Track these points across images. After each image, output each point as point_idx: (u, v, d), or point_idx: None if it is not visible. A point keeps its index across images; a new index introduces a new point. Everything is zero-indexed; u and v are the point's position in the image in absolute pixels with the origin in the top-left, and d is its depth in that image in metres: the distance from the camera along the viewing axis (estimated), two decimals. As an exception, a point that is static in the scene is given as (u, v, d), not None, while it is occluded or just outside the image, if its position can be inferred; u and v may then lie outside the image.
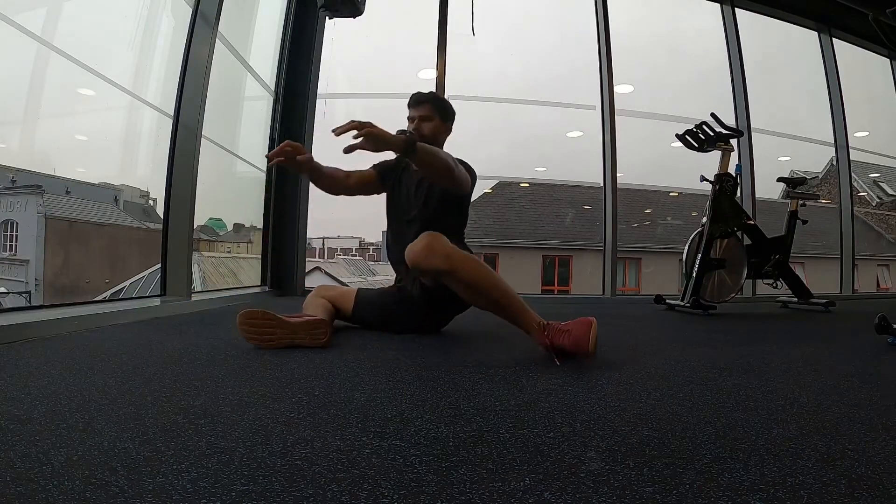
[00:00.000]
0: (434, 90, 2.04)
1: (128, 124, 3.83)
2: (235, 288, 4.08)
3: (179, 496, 0.56)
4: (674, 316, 2.86)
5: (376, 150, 1.42)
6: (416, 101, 1.91)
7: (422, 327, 1.85)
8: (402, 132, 1.51)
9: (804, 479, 0.64)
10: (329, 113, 4.25)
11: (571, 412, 0.92)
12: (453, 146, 2.04)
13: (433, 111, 1.90)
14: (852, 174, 5.12)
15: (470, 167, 1.88)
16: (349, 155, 1.38)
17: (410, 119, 1.91)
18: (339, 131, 1.38)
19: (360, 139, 1.37)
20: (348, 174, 1.89)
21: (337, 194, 1.87)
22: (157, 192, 3.49)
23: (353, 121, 1.38)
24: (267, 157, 1.59)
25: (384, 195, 2.00)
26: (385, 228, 2.01)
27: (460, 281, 1.50)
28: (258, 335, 1.47)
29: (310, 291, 1.92)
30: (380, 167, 1.98)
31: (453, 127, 1.99)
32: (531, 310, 1.46)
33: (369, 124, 1.38)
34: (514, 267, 10.23)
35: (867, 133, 5.63)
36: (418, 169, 1.62)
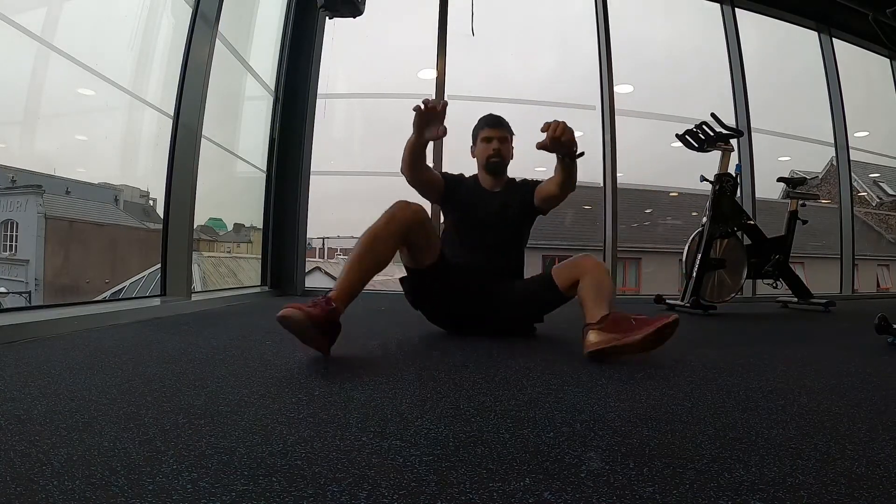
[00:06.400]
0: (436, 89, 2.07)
1: (128, 124, 3.83)
2: (235, 288, 4.08)
3: (179, 496, 0.56)
4: (674, 316, 2.86)
5: (569, 149, 1.54)
6: (497, 122, 1.94)
7: (487, 319, 1.81)
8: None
9: (804, 479, 0.64)
10: (329, 113, 4.25)
11: (571, 412, 0.92)
12: (454, 147, 2.05)
13: (509, 134, 1.96)
14: (852, 174, 5.11)
15: None
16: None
17: (486, 139, 1.91)
18: (546, 127, 1.49)
19: (565, 137, 1.48)
20: (428, 167, 1.84)
21: (409, 173, 1.75)
22: (157, 192, 3.48)
23: (557, 120, 1.49)
24: (425, 102, 1.52)
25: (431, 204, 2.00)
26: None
27: (604, 282, 1.58)
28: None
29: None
30: (448, 179, 1.95)
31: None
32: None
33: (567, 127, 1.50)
34: (514, 267, 10.19)
35: (867, 133, 5.63)
36: (567, 175, 1.68)
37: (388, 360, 1.43)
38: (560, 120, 1.49)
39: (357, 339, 1.72)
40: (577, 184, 1.74)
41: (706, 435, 0.81)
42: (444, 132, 1.53)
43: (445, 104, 1.52)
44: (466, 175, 2.02)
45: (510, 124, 1.98)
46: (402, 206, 1.53)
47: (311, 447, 0.72)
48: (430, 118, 1.53)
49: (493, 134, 1.91)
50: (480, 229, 1.88)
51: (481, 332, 1.82)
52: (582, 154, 1.60)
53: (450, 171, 2.02)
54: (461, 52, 4.31)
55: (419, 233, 1.58)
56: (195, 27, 2.79)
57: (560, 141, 1.50)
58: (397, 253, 1.62)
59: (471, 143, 2.01)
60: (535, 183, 1.91)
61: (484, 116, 1.96)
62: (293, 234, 3.96)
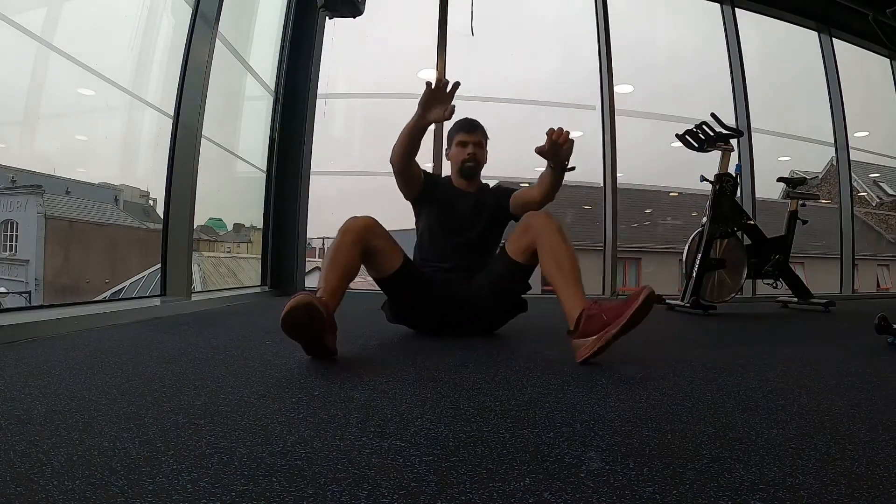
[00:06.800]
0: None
1: (128, 124, 3.83)
2: (235, 288, 4.08)
3: (179, 496, 0.56)
4: (674, 316, 2.86)
5: (564, 159, 1.58)
6: (472, 127, 1.93)
7: (468, 319, 1.80)
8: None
9: (804, 479, 0.64)
10: (329, 113, 4.25)
11: (571, 412, 0.92)
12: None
13: (483, 138, 1.95)
14: (852, 174, 5.12)
15: None
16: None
17: (462, 143, 1.91)
18: (554, 134, 1.51)
19: (566, 146, 1.53)
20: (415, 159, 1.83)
21: (401, 160, 1.73)
22: (157, 192, 3.49)
23: (562, 128, 1.51)
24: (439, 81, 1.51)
25: (405, 200, 1.98)
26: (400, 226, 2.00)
27: (557, 249, 1.54)
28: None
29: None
30: (427, 175, 1.95)
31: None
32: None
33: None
34: (514, 267, 10.20)
35: (867, 133, 5.63)
36: (553, 185, 1.69)
37: (388, 360, 1.43)
38: (564, 129, 1.51)
39: (357, 339, 1.72)
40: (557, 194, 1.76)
41: (706, 435, 0.81)
42: (452, 112, 1.52)
43: (458, 84, 1.50)
44: (441, 176, 2.04)
45: (486, 129, 1.97)
46: (353, 219, 1.57)
47: (311, 447, 0.72)
48: (439, 97, 1.51)
49: (469, 139, 1.91)
50: (453, 229, 1.88)
51: (470, 332, 1.82)
52: (573, 168, 1.62)
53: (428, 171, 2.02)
54: (461, 52, 4.31)
55: (375, 237, 1.59)
56: (195, 27, 2.79)
57: (561, 148, 1.52)
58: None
59: (445, 146, 2.01)
60: (510, 190, 1.93)
61: (460, 120, 1.94)
62: (293, 234, 3.96)
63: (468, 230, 1.88)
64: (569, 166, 1.61)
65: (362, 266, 1.62)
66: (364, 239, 1.56)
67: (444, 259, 1.85)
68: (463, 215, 1.90)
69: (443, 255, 1.87)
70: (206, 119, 2.76)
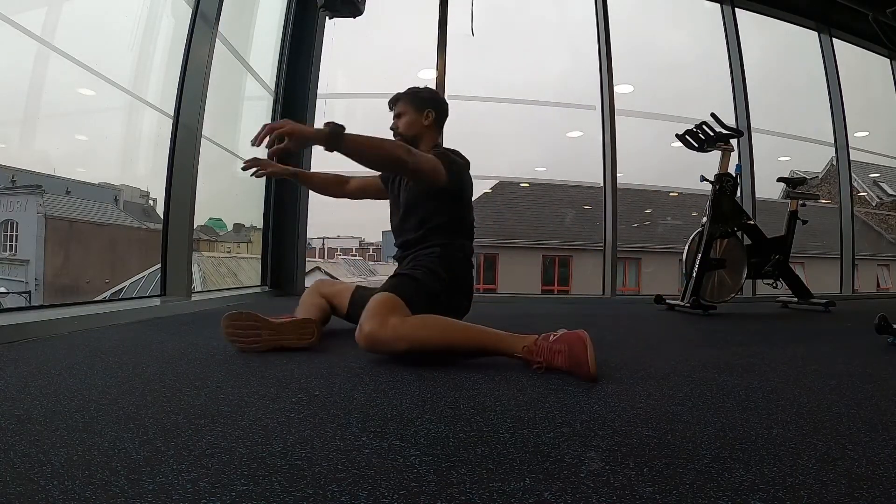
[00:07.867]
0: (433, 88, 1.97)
1: (128, 124, 3.84)
2: (235, 288, 4.08)
3: (179, 496, 0.56)
4: (674, 316, 2.86)
5: (299, 148, 1.31)
6: (393, 100, 1.83)
7: None
8: (327, 124, 1.33)
9: (804, 479, 0.64)
10: (329, 113, 4.25)
11: (571, 412, 0.92)
12: (453, 147, 2.04)
13: (407, 105, 1.78)
14: (852, 174, 5.12)
15: (454, 158, 1.68)
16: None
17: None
18: (257, 141, 1.27)
19: (283, 142, 1.27)
20: (345, 181, 1.96)
21: (338, 198, 2.00)
22: (157, 193, 3.49)
23: (266, 125, 1.28)
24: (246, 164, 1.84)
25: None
26: (385, 229, 2.01)
27: (426, 350, 1.33)
28: (243, 338, 1.41)
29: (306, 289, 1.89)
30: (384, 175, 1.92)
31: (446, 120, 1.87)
32: (513, 334, 1.30)
33: (287, 122, 1.29)
34: (514, 267, 10.25)
35: (867, 133, 5.63)
36: (365, 163, 1.43)
37: (388, 361, 1.43)
38: (269, 125, 1.28)
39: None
40: (388, 154, 1.45)
41: (706, 435, 0.81)
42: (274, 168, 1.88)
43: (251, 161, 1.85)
44: None
45: (415, 92, 1.80)
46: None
47: (311, 447, 0.72)
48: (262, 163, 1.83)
49: (393, 113, 1.81)
50: (392, 212, 1.83)
51: None
52: (340, 133, 1.32)
53: None
54: (463, 53, 4.32)
55: (325, 285, 1.86)
56: (195, 27, 2.79)
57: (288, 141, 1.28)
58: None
59: None
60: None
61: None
62: (293, 234, 3.96)
63: (399, 209, 1.76)
64: (337, 137, 1.32)
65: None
66: (318, 288, 1.84)
67: (398, 246, 1.78)
68: (395, 193, 1.81)
69: (394, 236, 1.80)
70: (206, 119, 2.76)
